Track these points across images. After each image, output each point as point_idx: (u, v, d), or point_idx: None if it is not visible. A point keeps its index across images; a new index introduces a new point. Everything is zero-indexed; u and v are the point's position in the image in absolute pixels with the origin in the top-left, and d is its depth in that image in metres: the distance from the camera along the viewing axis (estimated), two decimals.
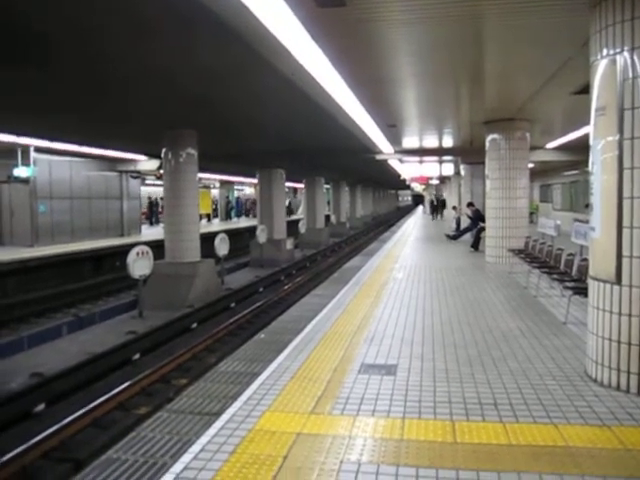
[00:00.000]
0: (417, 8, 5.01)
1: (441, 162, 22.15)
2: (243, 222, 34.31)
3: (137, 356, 9.04)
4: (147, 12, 5.37)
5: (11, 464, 5.25)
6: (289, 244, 23.05)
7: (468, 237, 16.45)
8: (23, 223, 17.43)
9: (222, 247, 16.54)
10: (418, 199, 66.67)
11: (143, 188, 25.78)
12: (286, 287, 15.76)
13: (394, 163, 23.69)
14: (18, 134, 13.71)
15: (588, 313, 4.49)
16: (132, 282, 13.03)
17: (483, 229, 13.63)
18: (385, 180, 46.41)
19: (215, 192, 37.21)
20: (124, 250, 13.11)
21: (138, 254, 11.82)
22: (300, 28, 5.39)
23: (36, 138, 14.59)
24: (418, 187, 45.23)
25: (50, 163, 17.96)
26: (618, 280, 4.07)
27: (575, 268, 6.88)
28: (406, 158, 19.63)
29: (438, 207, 35.45)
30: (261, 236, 20.75)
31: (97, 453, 4.89)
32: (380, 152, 17.91)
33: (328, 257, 24.77)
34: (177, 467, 3.03)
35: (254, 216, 37.79)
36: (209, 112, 11.06)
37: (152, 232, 23.40)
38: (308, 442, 3.29)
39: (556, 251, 8.06)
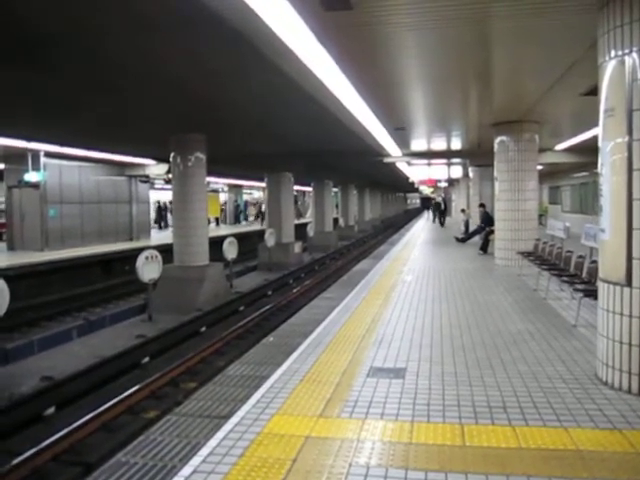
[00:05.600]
0: (424, 11, 5.01)
1: (449, 164, 22.10)
2: (247, 226, 34.26)
3: (146, 359, 9.07)
4: (152, 15, 5.40)
5: (23, 466, 5.29)
6: (297, 247, 23.04)
7: (477, 240, 16.40)
8: (33, 227, 17.57)
9: (231, 251, 16.57)
10: (427, 202, 66.22)
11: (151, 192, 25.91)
12: (295, 290, 15.76)
13: (402, 166, 23.65)
14: (28, 139, 13.83)
15: (598, 315, 4.46)
16: (141, 286, 13.08)
17: (492, 232, 13.59)
18: (393, 183, 46.36)
19: (224, 196, 37.34)
20: (133, 254, 13.16)
21: (147, 258, 11.87)
22: (307, 31, 5.41)
23: (46, 143, 14.70)
24: (426, 190, 45.14)
25: (60, 168, 18.10)
26: (628, 282, 4.04)
27: (585, 270, 6.84)
28: (414, 161, 19.59)
29: (445, 211, 30.91)
30: (269, 240, 20.76)
31: (107, 456, 4.92)
32: (388, 155, 17.89)
33: (337, 260, 24.74)
34: (186, 470, 3.04)
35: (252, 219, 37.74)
36: (217, 116, 11.11)
37: (160, 236, 23.50)
38: (317, 445, 3.28)
39: (566, 253, 8.02)
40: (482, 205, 16.90)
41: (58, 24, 5.75)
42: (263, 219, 34.38)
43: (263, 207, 36.60)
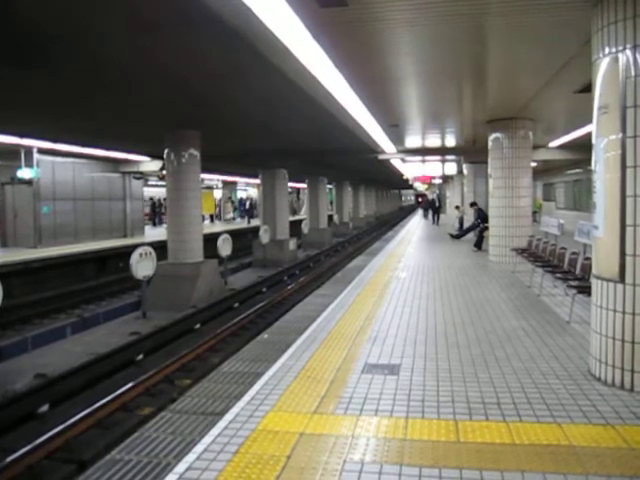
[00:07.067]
0: (418, 7, 5.01)
1: (444, 161, 22.12)
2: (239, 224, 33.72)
3: (141, 357, 9.05)
4: (149, 13, 5.38)
5: (17, 464, 5.27)
6: (292, 244, 23.02)
7: (471, 236, 16.44)
8: (26, 224, 17.49)
9: (225, 248, 16.54)
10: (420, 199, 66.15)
11: (145, 189, 25.82)
12: (289, 287, 15.76)
13: (396, 163, 23.67)
14: (21, 135, 13.74)
15: (591, 312, 4.48)
16: (135, 283, 13.05)
17: (486, 228, 13.63)
18: (388, 180, 46.39)
19: (218, 193, 37.18)
20: (127, 251, 13.14)
21: (141, 255, 11.84)
22: (302, 28, 5.40)
23: (39, 139, 14.61)
24: (421, 187, 45.18)
25: (53, 164, 18.01)
26: (621, 279, 4.06)
27: (579, 267, 6.87)
28: (408, 158, 19.62)
29: (439, 208, 29.16)
30: (264, 236, 20.75)
31: (101, 454, 4.91)
32: (382, 152, 17.90)
33: (331, 257, 24.75)
34: (180, 467, 3.04)
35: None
36: (211, 112, 11.08)
37: (156, 233, 23.43)
38: (311, 442, 3.29)
39: (559, 250, 8.05)
40: (474, 204, 16.90)
41: (58, 24, 5.73)
42: (250, 217, 34.00)
43: (247, 204, 36.06)
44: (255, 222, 30.97)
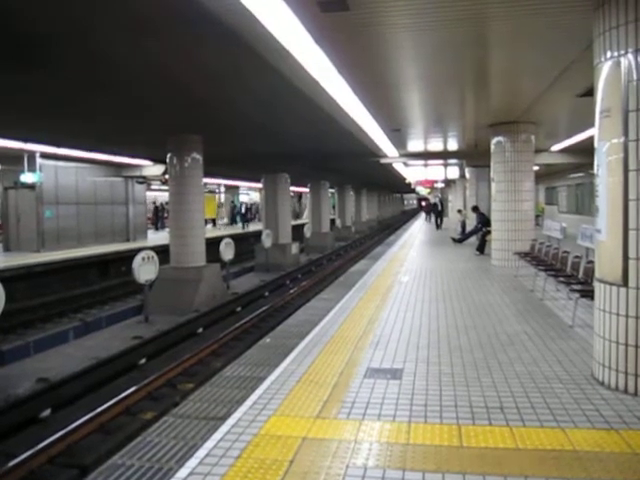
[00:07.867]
0: (420, 12, 5.02)
1: (446, 165, 22.11)
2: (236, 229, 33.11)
3: (143, 361, 9.05)
4: (151, 16, 5.39)
5: (19, 468, 5.27)
6: (294, 248, 23.03)
7: (474, 240, 16.42)
8: (29, 228, 17.53)
9: (227, 252, 16.55)
10: (422, 203, 66.06)
11: (148, 193, 25.82)
12: (291, 291, 15.75)
13: (399, 167, 23.66)
14: (24, 140, 13.78)
15: (594, 316, 4.47)
16: (138, 287, 13.06)
17: (489, 232, 13.61)
18: (390, 184, 46.36)
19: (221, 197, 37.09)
20: (130, 255, 13.15)
21: (144, 259, 11.85)
22: (304, 33, 5.41)
23: (41, 144, 14.65)
24: (423, 191, 45.18)
25: (56, 169, 18.05)
26: (625, 282, 4.05)
27: (581, 271, 6.86)
28: (411, 162, 19.60)
29: (442, 212, 28.35)
30: (266, 241, 20.76)
31: (103, 458, 4.90)
32: (385, 156, 17.89)
33: (333, 261, 24.74)
34: (183, 472, 3.03)
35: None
36: (214, 116, 11.10)
37: (158, 237, 23.44)
38: (314, 446, 3.28)
39: (562, 254, 8.04)
40: (476, 208, 16.83)
41: (57, 25, 5.74)
42: (246, 221, 33.74)
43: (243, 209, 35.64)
44: (252, 227, 30.74)
